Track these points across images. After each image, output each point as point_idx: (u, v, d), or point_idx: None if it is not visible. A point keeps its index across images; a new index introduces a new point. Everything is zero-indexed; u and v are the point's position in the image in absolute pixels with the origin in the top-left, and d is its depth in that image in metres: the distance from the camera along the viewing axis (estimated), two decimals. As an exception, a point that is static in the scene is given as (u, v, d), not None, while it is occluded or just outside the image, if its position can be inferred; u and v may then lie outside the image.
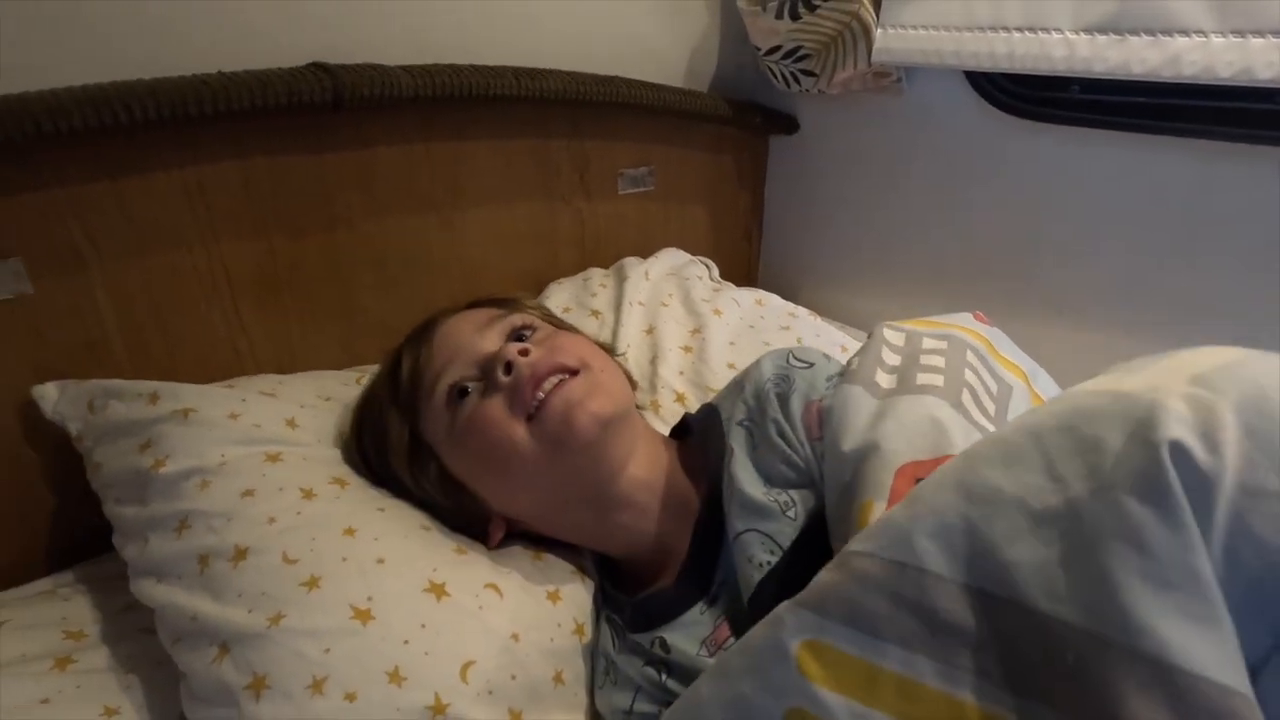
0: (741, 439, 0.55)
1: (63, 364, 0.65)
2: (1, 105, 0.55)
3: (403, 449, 0.59)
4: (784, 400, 0.55)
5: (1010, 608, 0.31)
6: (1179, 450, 0.29)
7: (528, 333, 0.60)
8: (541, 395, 0.54)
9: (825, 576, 0.36)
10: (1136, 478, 0.30)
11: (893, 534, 0.35)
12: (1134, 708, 0.27)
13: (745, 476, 0.53)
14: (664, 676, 0.52)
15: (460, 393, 0.57)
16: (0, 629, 0.56)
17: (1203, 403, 0.30)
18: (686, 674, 0.51)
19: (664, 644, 0.52)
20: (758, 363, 0.60)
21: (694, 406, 0.75)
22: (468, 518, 0.59)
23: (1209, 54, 0.69)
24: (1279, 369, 0.31)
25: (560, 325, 0.67)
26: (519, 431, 0.54)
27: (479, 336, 0.59)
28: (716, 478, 0.55)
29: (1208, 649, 0.27)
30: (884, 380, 0.51)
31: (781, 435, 0.53)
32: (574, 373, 0.56)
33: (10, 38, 0.61)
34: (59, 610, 0.59)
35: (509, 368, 0.55)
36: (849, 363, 0.55)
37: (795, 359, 0.58)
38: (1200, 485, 0.29)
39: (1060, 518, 0.31)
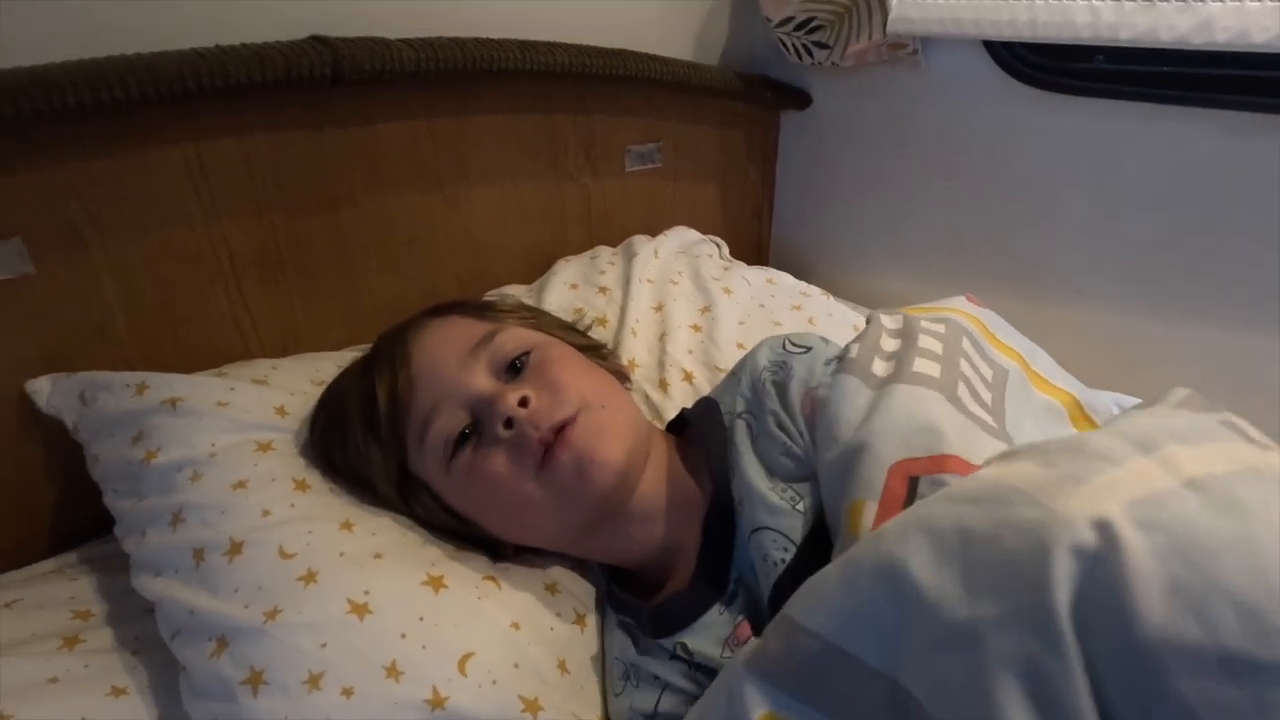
0: (743, 432, 0.54)
1: (67, 345, 0.65)
2: (-3, 80, 0.54)
3: (391, 482, 0.56)
4: (781, 389, 0.53)
5: (921, 711, 0.31)
6: (1084, 586, 0.28)
7: (521, 360, 0.56)
8: (547, 441, 0.51)
9: (776, 646, 0.37)
10: (1033, 611, 0.29)
11: (833, 613, 0.35)
12: None
13: (752, 472, 0.51)
14: (693, 670, 0.51)
15: (458, 439, 0.53)
16: (11, 607, 0.56)
17: (1121, 540, 0.28)
18: (713, 674, 0.50)
19: (685, 649, 0.51)
20: (753, 352, 0.57)
21: (702, 386, 0.74)
22: (470, 539, 0.57)
23: (1243, 18, 0.66)
24: (1221, 507, 0.30)
25: (546, 329, 0.62)
26: (529, 485, 0.52)
27: (465, 371, 0.54)
28: (720, 474, 0.54)
29: None
30: (880, 369, 0.49)
31: (781, 426, 0.52)
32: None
33: (5, 12, 0.60)
34: (67, 590, 0.59)
35: (509, 421, 0.51)
36: (847, 349, 0.53)
37: (791, 344, 0.56)
38: (1113, 632, 0.28)
39: (966, 636, 0.30)
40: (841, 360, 0.52)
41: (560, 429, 0.51)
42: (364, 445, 0.56)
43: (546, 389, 0.53)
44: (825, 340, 0.57)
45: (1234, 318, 0.79)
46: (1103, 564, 0.28)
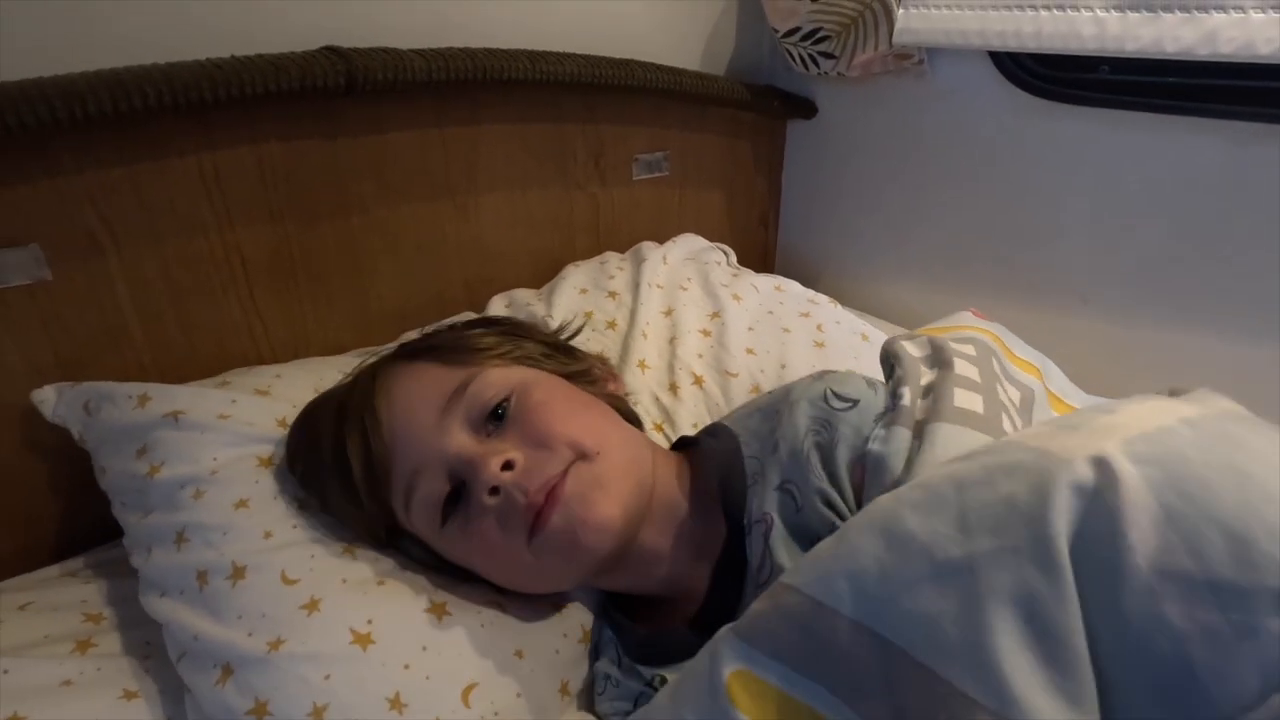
0: (778, 504, 0.48)
1: (82, 351, 0.66)
2: (17, 90, 0.55)
3: (379, 538, 0.55)
4: (827, 454, 0.47)
5: (901, 657, 0.31)
6: (1083, 519, 0.29)
7: (503, 408, 0.52)
8: (537, 505, 0.48)
9: (757, 605, 0.37)
10: (1032, 542, 0.30)
11: (818, 570, 0.35)
12: None
13: (786, 554, 0.47)
14: None
15: (446, 503, 0.51)
16: (24, 610, 0.57)
17: (1118, 474, 0.30)
18: None
19: (664, 681, 0.51)
20: (791, 407, 0.50)
21: (713, 390, 0.74)
22: (467, 577, 0.55)
23: (1247, 30, 0.66)
24: (1213, 440, 0.31)
25: (529, 360, 0.58)
26: (522, 551, 0.49)
27: (441, 431, 0.50)
28: (736, 522, 0.51)
29: None
30: (920, 408, 0.46)
31: (829, 504, 0.46)
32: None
33: (25, 22, 0.61)
34: (78, 593, 0.59)
35: (495, 489, 0.48)
36: (898, 395, 0.47)
37: (835, 397, 0.49)
38: (1105, 561, 0.29)
39: (960, 571, 0.31)
40: (894, 410, 0.47)
41: (552, 488, 0.49)
42: (345, 506, 0.54)
43: (532, 442, 0.50)
44: (871, 385, 0.51)
45: (1240, 327, 0.80)
46: (1100, 498, 0.29)
